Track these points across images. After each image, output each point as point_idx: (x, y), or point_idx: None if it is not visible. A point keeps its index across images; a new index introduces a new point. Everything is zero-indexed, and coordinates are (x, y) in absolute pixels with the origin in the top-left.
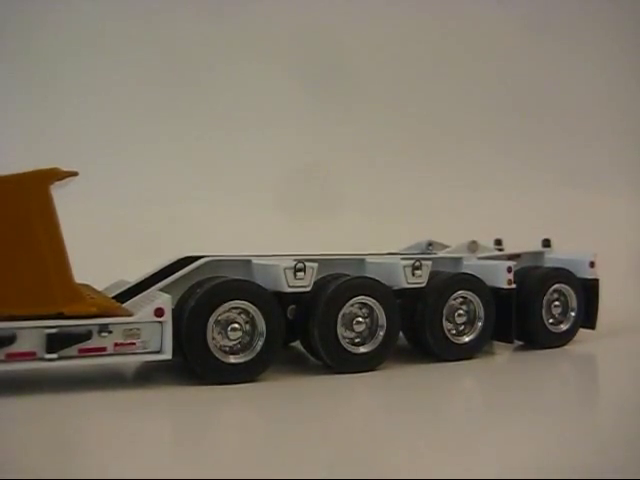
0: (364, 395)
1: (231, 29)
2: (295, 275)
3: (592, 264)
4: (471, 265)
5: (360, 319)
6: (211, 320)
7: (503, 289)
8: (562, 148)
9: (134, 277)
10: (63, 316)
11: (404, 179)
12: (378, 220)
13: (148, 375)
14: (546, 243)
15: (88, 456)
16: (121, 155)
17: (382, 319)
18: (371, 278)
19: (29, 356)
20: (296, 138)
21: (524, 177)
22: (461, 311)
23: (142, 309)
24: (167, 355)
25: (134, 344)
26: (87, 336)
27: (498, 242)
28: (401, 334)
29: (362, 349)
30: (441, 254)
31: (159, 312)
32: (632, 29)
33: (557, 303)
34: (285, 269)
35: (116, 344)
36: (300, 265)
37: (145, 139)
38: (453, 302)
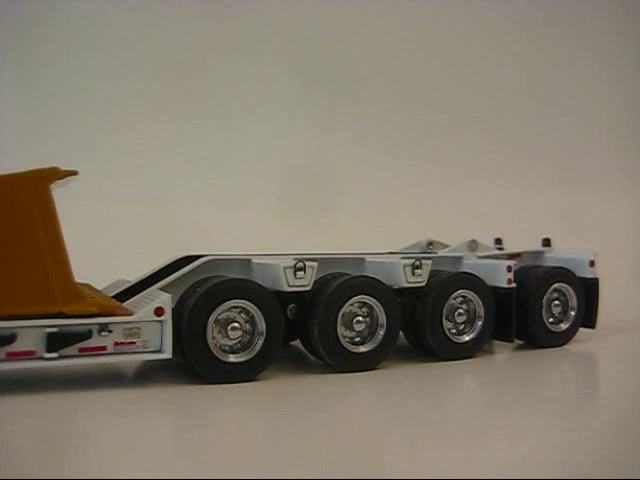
0: (364, 394)
1: (231, 29)
2: (295, 274)
3: (592, 263)
4: (471, 264)
5: (360, 318)
6: (211, 319)
7: (503, 288)
8: (562, 147)
9: (134, 276)
10: (63, 315)
11: (404, 178)
12: (378, 219)
13: (148, 374)
14: (546, 242)
15: (88, 456)
16: (121, 154)
17: (382, 318)
18: (371, 277)
19: (29, 355)
20: (296, 138)
21: (524, 176)
22: (461, 310)
23: (142, 308)
24: (167, 354)
25: (134, 343)
26: (87, 335)
27: (498, 241)
28: (401, 333)
29: (362, 348)
30: (441, 253)
31: (159, 311)
32: (632, 29)
33: (557, 302)
34: (285, 268)
35: (116, 343)
36: (300, 264)
37: (145, 139)
38: (453, 301)
